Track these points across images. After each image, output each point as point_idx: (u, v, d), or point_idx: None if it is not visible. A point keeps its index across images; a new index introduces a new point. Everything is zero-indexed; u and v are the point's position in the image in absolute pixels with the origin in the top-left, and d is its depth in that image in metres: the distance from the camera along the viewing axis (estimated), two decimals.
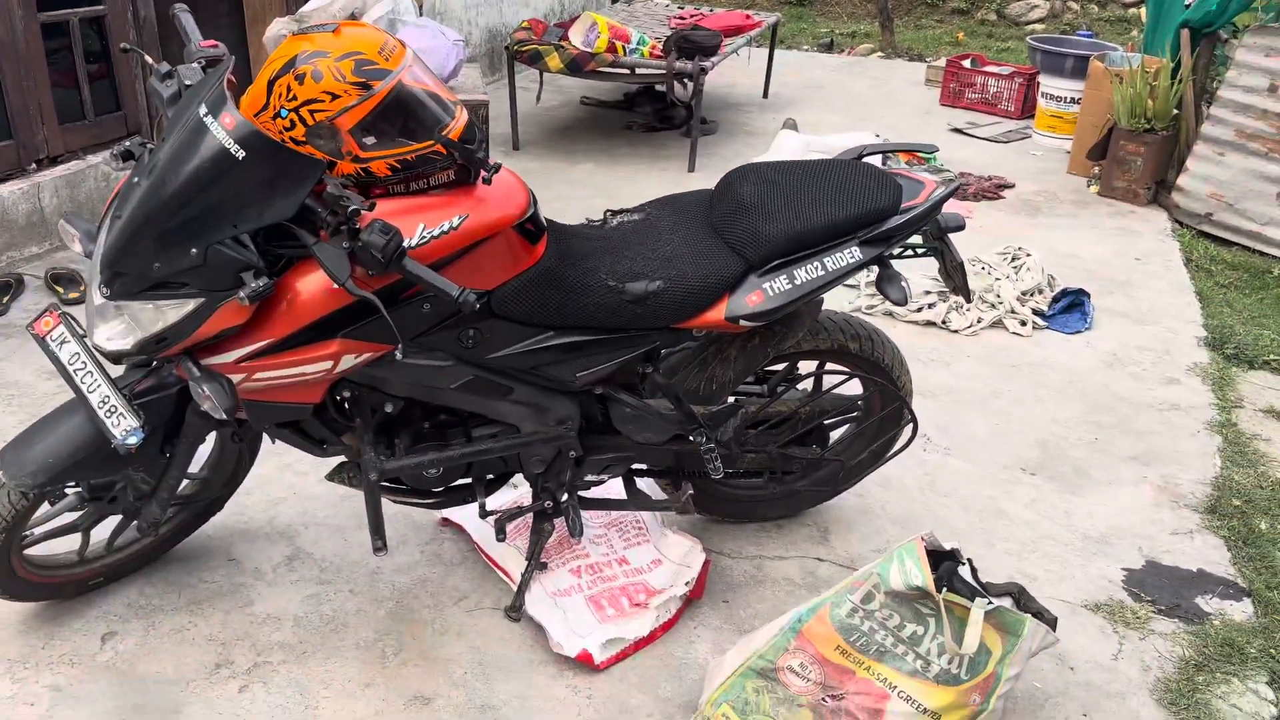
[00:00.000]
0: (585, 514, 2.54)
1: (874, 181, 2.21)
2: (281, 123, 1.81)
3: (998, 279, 4.01)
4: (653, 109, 6.38)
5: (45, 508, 2.18)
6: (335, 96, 1.80)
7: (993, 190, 5.30)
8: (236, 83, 2.00)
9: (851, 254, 2.14)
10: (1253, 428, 3.32)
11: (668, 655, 2.28)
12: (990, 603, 1.90)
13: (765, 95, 7.14)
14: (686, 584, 2.37)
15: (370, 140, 1.85)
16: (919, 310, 3.87)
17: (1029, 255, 4.16)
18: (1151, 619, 2.45)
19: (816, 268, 2.12)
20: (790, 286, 2.10)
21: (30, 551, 2.24)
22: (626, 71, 5.45)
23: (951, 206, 5.01)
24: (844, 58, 8.71)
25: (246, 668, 2.19)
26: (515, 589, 2.38)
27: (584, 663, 2.22)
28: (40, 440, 2.00)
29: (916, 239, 2.30)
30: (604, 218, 2.29)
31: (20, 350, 3.42)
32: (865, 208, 2.15)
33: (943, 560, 2.00)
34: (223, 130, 1.74)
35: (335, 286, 1.81)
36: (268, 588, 2.41)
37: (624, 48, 5.38)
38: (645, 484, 2.61)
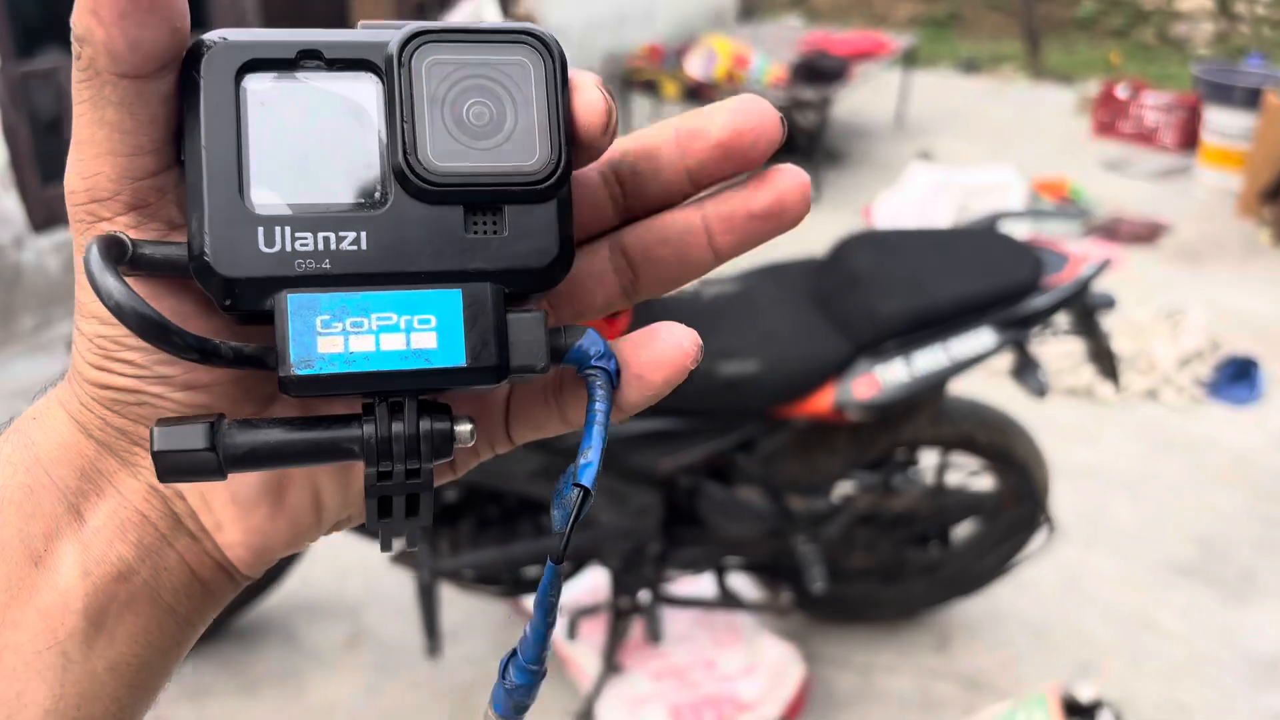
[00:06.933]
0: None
1: (1009, 254, 1.90)
2: None
3: (1151, 341, 3.59)
4: None
5: None
6: None
7: (1147, 234, 4.83)
8: None
9: (982, 337, 1.84)
10: None
11: None
12: None
13: (897, 122, 6.78)
14: (780, 705, 2.09)
15: None
16: (1058, 373, 3.48)
17: (1189, 315, 3.72)
18: None
19: (939, 352, 1.83)
20: (908, 376, 1.81)
21: None
22: None
23: (1099, 251, 4.58)
24: (986, 81, 8.25)
25: None
26: (587, 694, 2.15)
27: None
28: None
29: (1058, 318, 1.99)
30: (697, 288, 2.05)
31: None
32: (999, 284, 1.85)
33: (1082, 715, 1.68)
34: None
35: None
36: (325, 673, 2.24)
37: (744, 75, 5.13)
38: (740, 580, 2.34)
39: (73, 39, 0.27)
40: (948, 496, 2.17)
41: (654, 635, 2.13)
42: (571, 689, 2.21)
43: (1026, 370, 1.90)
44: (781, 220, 0.32)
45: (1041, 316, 1.85)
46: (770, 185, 0.32)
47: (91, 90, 0.27)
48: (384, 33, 0.29)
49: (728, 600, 2.19)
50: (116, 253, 0.27)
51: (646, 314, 1.89)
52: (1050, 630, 2.42)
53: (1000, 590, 2.51)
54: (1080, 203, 5.10)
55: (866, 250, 1.95)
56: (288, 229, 0.27)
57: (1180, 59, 8.78)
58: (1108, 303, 1.96)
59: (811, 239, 4.89)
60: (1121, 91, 6.45)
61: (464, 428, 0.29)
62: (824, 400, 1.84)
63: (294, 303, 0.27)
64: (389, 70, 0.28)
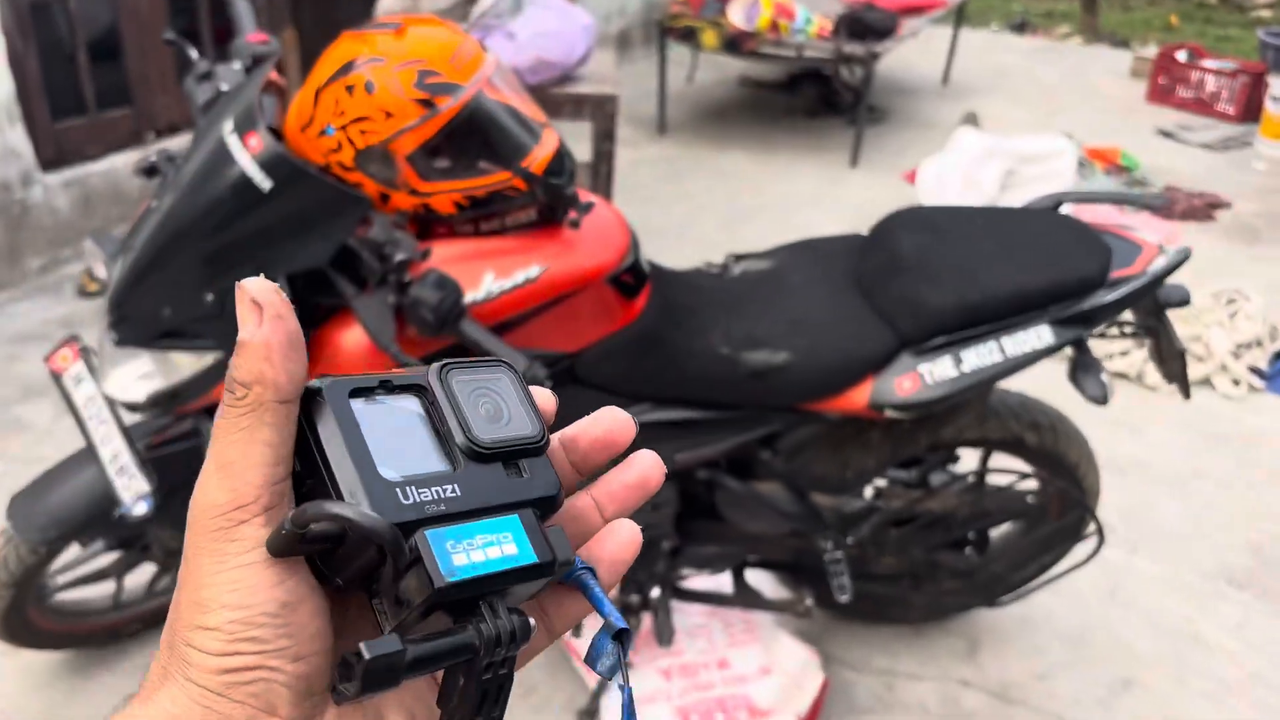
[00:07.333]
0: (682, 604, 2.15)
1: (1075, 241, 1.72)
2: (327, 142, 1.47)
3: (1208, 326, 3.38)
4: (817, 92, 5.86)
5: (76, 549, 1.95)
6: (391, 115, 1.45)
7: (1204, 209, 4.58)
8: (285, 84, 1.68)
9: (1040, 335, 1.66)
10: None
11: None
12: None
13: (944, 81, 6.50)
14: (797, 714, 1.95)
15: (433, 170, 1.50)
16: (1108, 358, 3.29)
17: (1248, 299, 3.51)
18: None
19: (992, 350, 1.66)
20: (955, 373, 1.65)
21: (62, 597, 2.01)
22: (789, 53, 4.97)
23: (1153, 227, 4.34)
24: (1038, 40, 7.91)
25: None
26: (591, 689, 2.02)
27: None
28: (53, 490, 1.75)
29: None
30: (725, 263, 1.88)
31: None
32: (1062, 276, 1.67)
33: None
34: (247, 155, 1.41)
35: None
36: None
37: (788, 26, 4.89)
38: (759, 576, 2.20)
39: (234, 385, 0.36)
40: (989, 497, 2.01)
41: (664, 637, 1.99)
42: (579, 680, 2.08)
43: (1086, 372, 1.73)
44: (645, 490, 0.44)
45: (1107, 313, 1.67)
46: (637, 466, 0.44)
47: (251, 419, 0.36)
48: (421, 370, 0.41)
49: (744, 597, 2.05)
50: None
51: (661, 286, 1.73)
52: (1088, 640, 2.27)
53: (1035, 593, 2.36)
54: (1134, 172, 4.84)
55: (914, 231, 1.77)
56: (412, 488, 0.37)
57: (1242, 22, 8.38)
58: (1182, 299, 1.77)
59: (853, 200, 4.67)
60: (1181, 56, 6.13)
61: (532, 620, 0.38)
62: (860, 396, 1.68)
63: (432, 536, 0.36)
64: (431, 387, 0.41)
